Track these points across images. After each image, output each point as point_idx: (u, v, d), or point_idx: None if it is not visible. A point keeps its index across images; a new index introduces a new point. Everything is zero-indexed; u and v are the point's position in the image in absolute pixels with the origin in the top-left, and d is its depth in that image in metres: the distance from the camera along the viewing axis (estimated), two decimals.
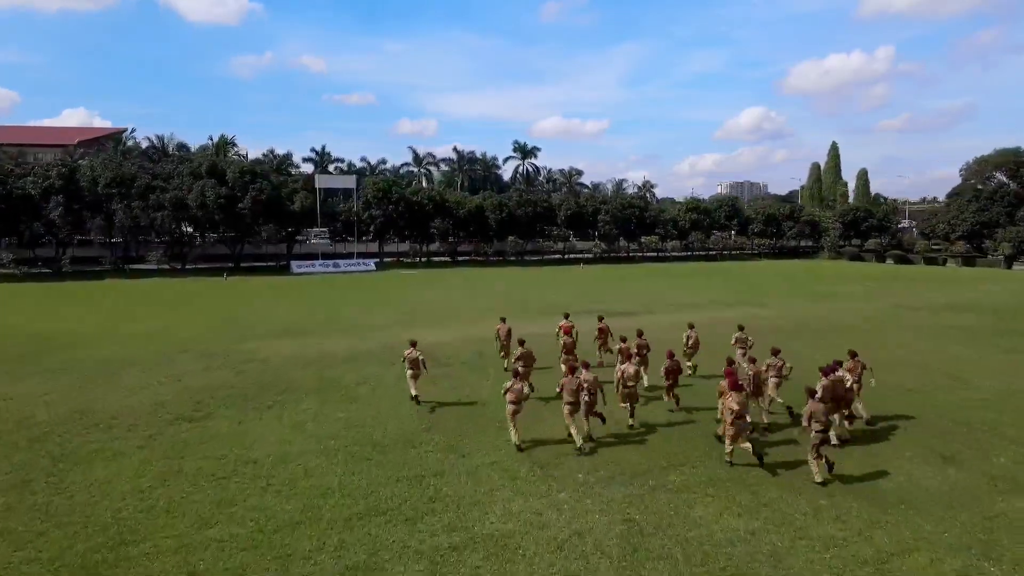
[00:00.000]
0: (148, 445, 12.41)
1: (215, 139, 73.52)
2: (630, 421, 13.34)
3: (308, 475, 10.96)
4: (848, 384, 12.76)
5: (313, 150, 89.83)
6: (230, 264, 55.95)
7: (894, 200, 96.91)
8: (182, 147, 74.43)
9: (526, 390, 12.48)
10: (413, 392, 15.09)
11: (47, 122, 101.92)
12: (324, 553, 8.48)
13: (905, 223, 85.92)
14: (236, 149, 74.65)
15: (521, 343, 15.68)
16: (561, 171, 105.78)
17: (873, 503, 9.93)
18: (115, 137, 67.45)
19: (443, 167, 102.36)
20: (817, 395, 11.19)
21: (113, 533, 8.99)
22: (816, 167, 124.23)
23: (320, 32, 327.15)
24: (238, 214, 51.88)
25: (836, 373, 12.59)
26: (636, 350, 15.51)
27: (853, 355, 13.67)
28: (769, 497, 10.12)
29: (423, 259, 65.81)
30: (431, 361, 19.54)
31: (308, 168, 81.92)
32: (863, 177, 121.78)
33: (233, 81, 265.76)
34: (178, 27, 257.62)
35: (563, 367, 13.73)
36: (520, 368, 13.91)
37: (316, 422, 13.81)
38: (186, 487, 10.47)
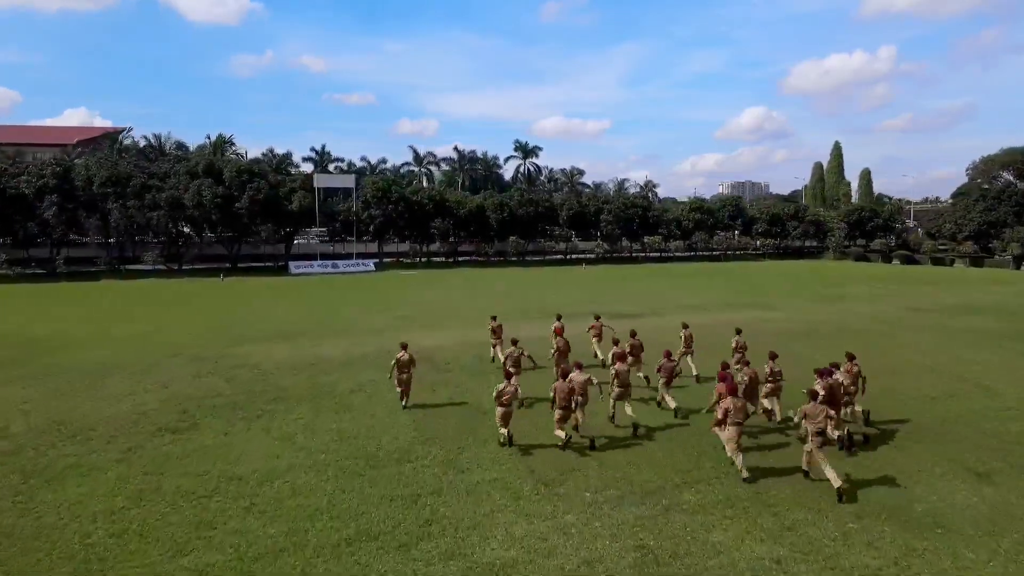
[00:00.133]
0: (127, 459, 11.66)
1: (212, 138, 72.75)
2: (627, 419, 13.11)
3: (295, 494, 10.20)
4: (845, 387, 12.45)
5: (313, 149, 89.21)
6: (227, 264, 55.22)
7: (899, 200, 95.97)
8: (181, 146, 73.71)
9: (519, 392, 12.32)
10: (402, 400, 14.85)
11: (48, 122, 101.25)
12: None
13: (910, 223, 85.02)
14: (234, 148, 73.91)
15: (514, 343, 15.40)
16: (563, 171, 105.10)
17: (906, 527, 9.16)
18: (111, 136, 66.64)
19: (444, 167, 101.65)
20: (820, 396, 10.88)
21: (80, 561, 8.24)
22: (819, 167, 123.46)
23: (320, 32, 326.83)
24: (235, 214, 51.15)
25: (833, 376, 12.22)
26: (629, 351, 15.28)
27: (851, 358, 13.32)
28: (793, 520, 9.34)
29: (423, 259, 65.07)
30: (428, 366, 18.94)
31: (308, 168, 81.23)
32: (866, 177, 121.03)
33: (233, 81, 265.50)
34: (178, 27, 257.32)
35: (555, 370, 13.98)
36: (511, 369, 13.89)
37: (307, 433, 13.05)
38: (163, 507, 9.71)
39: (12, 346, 22.01)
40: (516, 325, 21.08)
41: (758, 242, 78.15)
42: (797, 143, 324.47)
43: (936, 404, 15.11)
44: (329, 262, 57.54)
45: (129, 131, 73.35)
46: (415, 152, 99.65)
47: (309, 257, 59.74)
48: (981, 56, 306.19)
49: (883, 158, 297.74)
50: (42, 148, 65.05)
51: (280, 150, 77.04)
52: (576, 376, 12.27)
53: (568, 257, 71.72)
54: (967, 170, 75.47)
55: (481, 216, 64.77)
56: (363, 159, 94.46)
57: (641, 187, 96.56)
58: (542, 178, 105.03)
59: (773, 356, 13.80)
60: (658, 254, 74.89)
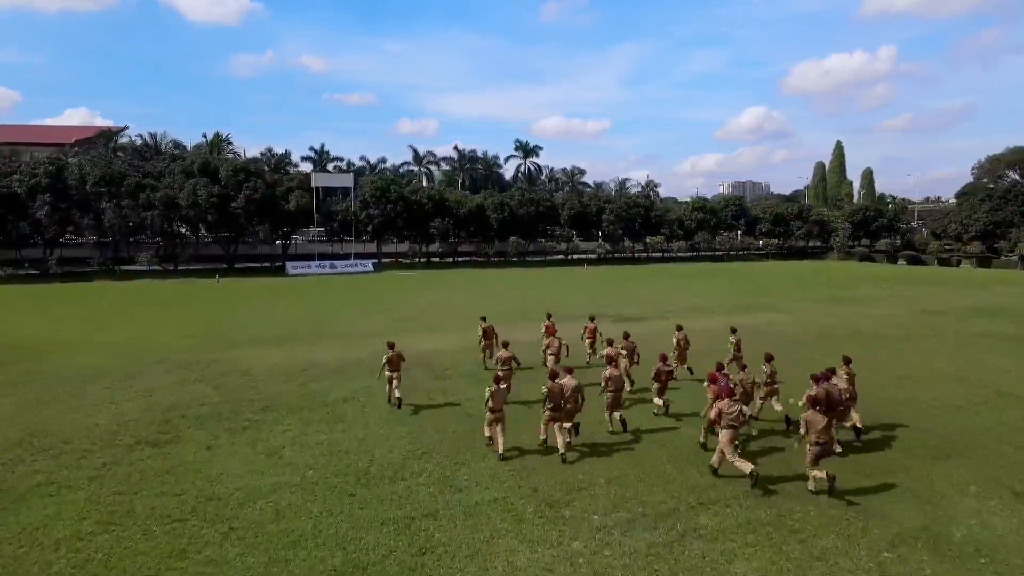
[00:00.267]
0: (100, 476, 10.86)
1: (209, 137, 71.90)
2: (609, 428, 12.86)
3: (279, 517, 9.39)
4: (844, 392, 12.16)
5: (312, 149, 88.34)
6: (223, 265, 54.41)
7: (902, 200, 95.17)
8: (178, 146, 72.86)
9: (507, 394, 12.16)
10: (396, 395, 14.63)
11: (48, 122, 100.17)
12: None
13: (914, 223, 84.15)
14: (231, 147, 73.02)
15: (505, 345, 15.22)
16: (563, 170, 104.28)
17: (945, 556, 8.35)
18: (106, 134, 65.80)
19: (444, 166, 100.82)
20: (814, 395, 10.70)
21: None
22: (820, 166, 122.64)
23: (320, 32, 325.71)
24: (231, 213, 50.33)
25: (831, 380, 11.83)
26: (623, 352, 15.16)
27: (847, 361, 13.08)
28: (822, 548, 8.53)
29: (422, 260, 64.24)
30: (426, 371, 18.15)
31: (307, 167, 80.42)
32: (868, 177, 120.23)
33: (233, 81, 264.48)
34: (178, 27, 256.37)
35: (551, 368, 13.81)
36: (500, 372, 13.96)
37: (294, 447, 12.24)
38: (133, 533, 8.91)
39: None
40: (516, 327, 20.29)
41: (760, 242, 77.30)
42: (797, 143, 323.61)
43: (962, 415, 14.31)
44: (327, 262, 56.71)
45: (124, 130, 72.53)
46: (415, 152, 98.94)
47: (307, 257, 58.90)
48: (981, 56, 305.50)
49: (883, 158, 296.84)
50: (40, 148, 64.21)
51: (279, 150, 76.21)
52: (567, 381, 11.83)
53: (569, 257, 70.88)
54: (972, 169, 74.70)
55: (481, 216, 63.94)
56: (362, 158, 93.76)
57: (642, 187, 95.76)
58: (543, 178, 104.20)
59: (769, 358, 13.44)
60: (660, 254, 74.02)
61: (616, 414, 12.84)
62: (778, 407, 13.32)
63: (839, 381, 12.27)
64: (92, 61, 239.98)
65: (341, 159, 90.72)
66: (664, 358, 14.03)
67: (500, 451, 11.55)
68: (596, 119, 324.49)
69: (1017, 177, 70.85)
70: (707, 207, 74.90)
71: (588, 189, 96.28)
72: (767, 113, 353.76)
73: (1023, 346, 21.91)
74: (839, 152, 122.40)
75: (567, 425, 11.79)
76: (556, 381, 11.80)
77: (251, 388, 16.43)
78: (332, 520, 9.27)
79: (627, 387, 14.85)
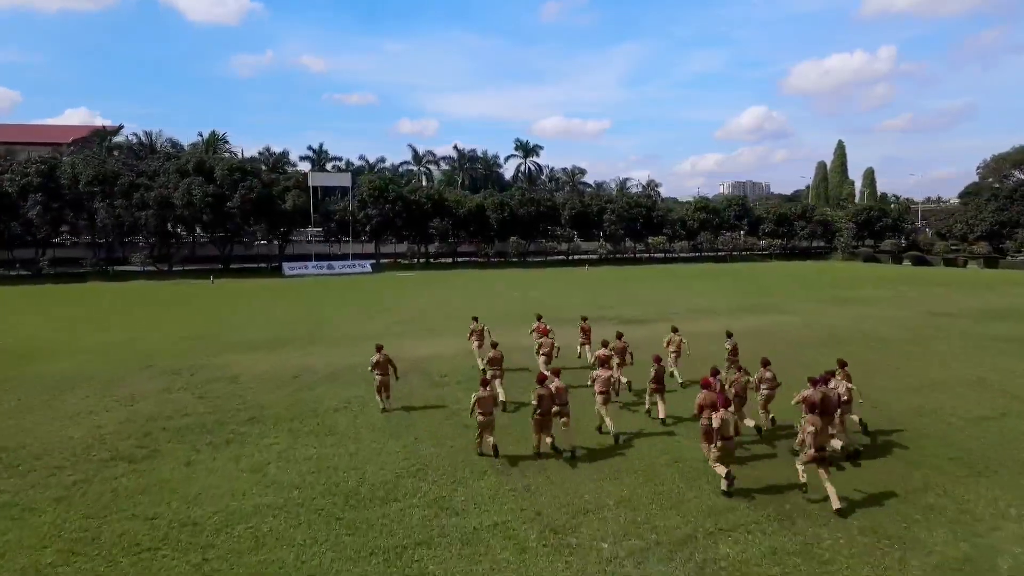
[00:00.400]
0: (69, 497, 10.05)
1: (205, 136, 71.06)
2: (606, 428, 12.58)
3: (258, 545, 8.58)
4: (843, 397, 11.77)
5: (310, 148, 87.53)
6: (219, 266, 53.58)
7: (906, 199, 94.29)
8: (175, 145, 72.00)
9: (500, 398, 12.04)
10: (382, 405, 14.42)
11: (48, 122, 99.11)
12: None
13: (919, 223, 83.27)
14: (228, 146, 72.16)
15: (494, 346, 15.01)
16: (564, 170, 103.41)
17: None
18: (99, 133, 64.90)
19: (443, 166, 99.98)
20: (808, 396, 10.48)
21: None
22: (822, 166, 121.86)
23: (320, 32, 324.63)
24: (227, 213, 49.49)
25: (828, 384, 11.57)
26: (615, 354, 14.85)
27: (842, 365, 12.75)
28: None
29: (421, 260, 63.40)
30: (422, 378, 17.35)
31: (305, 167, 79.60)
32: (870, 176, 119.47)
33: (233, 81, 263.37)
34: (178, 27, 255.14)
35: (543, 369, 14.10)
36: (490, 375, 13.84)
37: (280, 463, 11.43)
38: (97, 564, 8.11)
39: None
40: (516, 329, 19.49)
41: (763, 243, 76.37)
42: (797, 143, 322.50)
43: (988, 425, 13.50)
44: (324, 263, 55.87)
45: (120, 130, 71.61)
46: (414, 151, 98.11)
47: (304, 258, 58.05)
48: (981, 56, 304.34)
49: (883, 158, 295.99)
50: (36, 147, 63.33)
51: (277, 149, 75.37)
52: (557, 383, 11.58)
53: (570, 258, 70.04)
54: (978, 168, 73.93)
55: (481, 216, 63.10)
56: (361, 158, 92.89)
57: (643, 187, 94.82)
58: (543, 177, 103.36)
59: (766, 363, 13.04)
60: (662, 255, 73.18)
61: (607, 420, 12.57)
62: (762, 414, 12.99)
63: (839, 385, 11.91)
64: (92, 61, 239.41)
65: (340, 159, 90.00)
66: (658, 359, 13.73)
67: (480, 450, 11.62)
68: (596, 119, 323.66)
69: (1023, 176, 69.98)
70: (710, 207, 74.05)
71: (589, 189, 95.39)
72: (767, 113, 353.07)
73: None
74: (840, 152, 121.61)
75: (563, 427, 11.64)
76: (545, 384, 11.47)
77: (238, 397, 15.62)
78: (316, 549, 8.47)
79: (619, 388, 14.55)
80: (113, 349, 21.41)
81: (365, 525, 9.12)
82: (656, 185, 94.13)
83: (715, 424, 9.97)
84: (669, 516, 9.40)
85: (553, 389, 11.46)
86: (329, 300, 36.61)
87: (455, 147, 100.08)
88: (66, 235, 53.12)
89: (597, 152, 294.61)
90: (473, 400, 11.56)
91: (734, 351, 15.48)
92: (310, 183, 56.37)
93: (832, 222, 74.74)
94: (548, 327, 17.59)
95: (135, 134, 68.88)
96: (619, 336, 15.81)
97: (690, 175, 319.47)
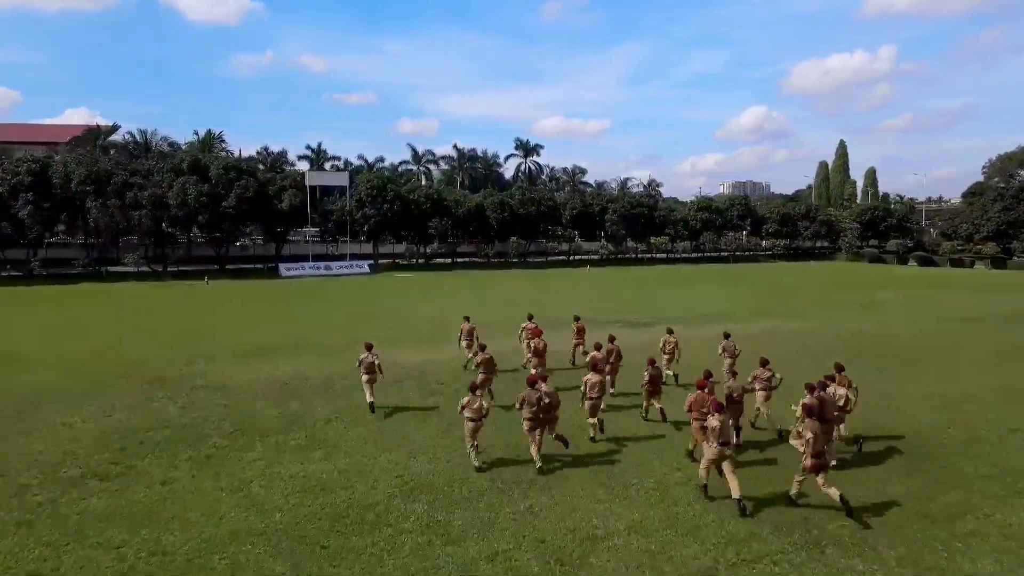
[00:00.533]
0: (33, 520, 9.22)
1: (201, 134, 70.14)
2: (591, 434, 12.34)
3: None
4: (841, 402, 11.44)
5: (308, 148, 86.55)
6: (215, 266, 52.72)
7: (910, 199, 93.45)
8: (173, 145, 71.09)
9: (486, 404, 11.32)
10: (369, 399, 14.17)
11: (48, 122, 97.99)
12: None
13: (924, 223, 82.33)
14: (224, 145, 71.27)
15: (483, 348, 14.80)
16: (564, 169, 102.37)
17: None
18: (93, 132, 63.99)
19: (443, 165, 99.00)
20: (808, 404, 10.14)
21: None
22: (824, 166, 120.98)
23: (320, 32, 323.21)
24: (222, 213, 48.63)
25: (827, 389, 11.23)
26: (607, 356, 14.60)
27: (840, 369, 12.30)
28: None
29: (420, 261, 62.53)
30: (418, 387, 16.53)
31: (304, 166, 78.65)
32: (872, 176, 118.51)
33: (233, 81, 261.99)
34: (178, 27, 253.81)
35: (534, 370, 14.24)
36: (480, 377, 13.76)
37: (263, 481, 10.59)
38: None
39: None
40: (517, 332, 18.59)
41: (765, 243, 75.46)
42: (797, 143, 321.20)
43: (1022, 439, 12.65)
44: (322, 264, 54.99)
45: (116, 129, 70.67)
46: (413, 151, 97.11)
47: (301, 259, 57.20)
48: (981, 56, 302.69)
49: (884, 158, 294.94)
50: (33, 147, 62.46)
51: (275, 148, 74.49)
52: (544, 388, 11.23)
53: (571, 259, 69.17)
54: (983, 168, 73.06)
55: (481, 216, 62.22)
56: (360, 157, 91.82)
57: (645, 187, 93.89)
58: (543, 177, 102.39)
59: (764, 363, 12.86)
60: (664, 255, 72.31)
61: (594, 420, 12.39)
62: (764, 409, 12.76)
63: (838, 390, 11.56)
64: (92, 61, 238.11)
65: (338, 158, 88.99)
66: (652, 362, 13.48)
67: (476, 464, 11.06)
68: (596, 119, 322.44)
69: None
70: (712, 207, 73.12)
71: (589, 189, 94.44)
72: (767, 113, 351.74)
73: None
74: (842, 151, 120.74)
75: (550, 435, 11.29)
76: (535, 388, 11.12)
77: (223, 407, 14.77)
78: None
79: (609, 391, 14.57)
80: (97, 355, 20.55)
81: (352, 555, 8.29)
82: (657, 185, 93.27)
83: (713, 423, 9.59)
84: (686, 544, 8.56)
85: (544, 395, 11.05)
86: (325, 302, 35.78)
87: (455, 146, 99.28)
88: (62, 235, 52.26)
89: (597, 152, 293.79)
90: (460, 406, 11.17)
91: (730, 352, 15.26)
92: (307, 182, 55.49)
93: (836, 222, 73.80)
94: (540, 327, 17.20)
95: (130, 133, 67.99)
96: (611, 339, 15.49)
97: (690, 175, 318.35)
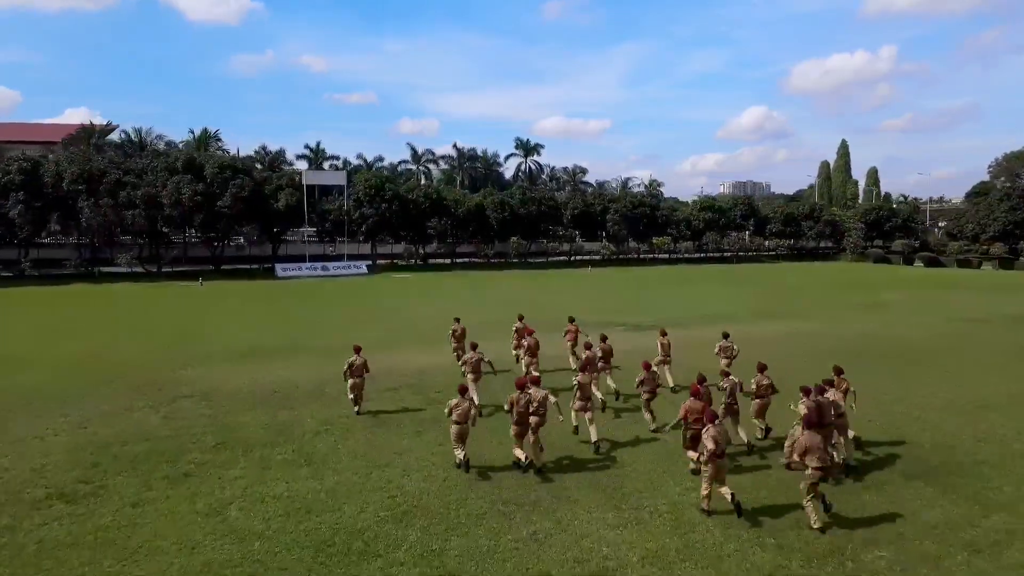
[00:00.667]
0: None
1: (197, 133, 69.27)
2: (594, 439, 11.83)
3: None
4: (840, 408, 10.78)
5: (307, 147, 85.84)
6: (210, 267, 51.88)
7: (914, 199, 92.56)
8: (170, 144, 70.27)
9: (473, 410, 10.95)
10: (355, 406, 13.94)
11: (47, 122, 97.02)
12: None
13: (930, 223, 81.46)
14: (220, 144, 70.41)
15: (473, 347, 14.49)
16: (565, 169, 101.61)
17: None
18: (87, 130, 63.13)
19: (443, 165, 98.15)
20: (805, 411, 9.76)
21: None
22: (825, 165, 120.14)
23: (320, 31, 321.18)
24: (218, 213, 47.79)
25: (825, 395, 10.64)
26: (600, 357, 14.40)
27: (839, 372, 11.73)
28: None
29: (419, 261, 61.69)
30: (415, 394, 15.69)
31: (303, 166, 77.82)
32: (874, 176, 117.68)
33: (234, 81, 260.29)
34: (179, 27, 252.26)
35: (528, 371, 14.35)
36: (470, 380, 13.64)
37: (244, 503, 9.75)
38: None
39: None
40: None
41: (768, 243, 74.57)
42: (798, 143, 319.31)
43: None
44: (318, 264, 54.15)
45: (113, 129, 69.88)
46: (413, 150, 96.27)
47: (298, 259, 56.36)
48: (982, 56, 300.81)
49: (884, 158, 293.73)
50: (29, 146, 61.62)
51: (274, 147, 73.63)
52: (533, 392, 10.84)
53: (572, 259, 68.32)
54: (989, 167, 72.21)
55: (481, 215, 61.38)
56: (359, 156, 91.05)
57: (646, 186, 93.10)
58: (544, 176, 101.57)
59: (762, 368, 12.25)
60: (667, 255, 71.46)
61: (590, 426, 11.95)
62: (758, 423, 12.24)
63: (832, 395, 10.95)
64: (92, 61, 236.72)
65: (337, 157, 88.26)
66: (648, 366, 13.09)
67: (458, 460, 10.81)
68: (597, 119, 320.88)
69: None
70: (715, 206, 72.27)
71: (590, 188, 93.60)
72: (768, 113, 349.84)
73: None
74: (844, 151, 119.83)
75: (532, 439, 10.83)
76: (524, 392, 10.76)
77: (207, 417, 13.93)
78: None
79: (601, 393, 14.41)
80: (82, 359, 19.71)
81: None
82: (659, 184, 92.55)
83: (709, 446, 9.00)
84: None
85: (533, 398, 10.71)
86: (321, 304, 34.96)
87: (454, 146, 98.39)
88: (57, 235, 51.40)
89: (597, 152, 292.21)
90: (448, 408, 10.83)
91: (727, 353, 14.96)
92: (303, 182, 54.67)
93: (841, 222, 72.91)
94: (532, 327, 16.93)
95: (124, 131, 67.17)
96: (604, 339, 15.21)
97: (691, 175, 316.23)
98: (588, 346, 14.30)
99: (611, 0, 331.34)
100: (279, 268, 51.79)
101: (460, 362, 15.11)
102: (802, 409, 10.04)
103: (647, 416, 12.89)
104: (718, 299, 35.36)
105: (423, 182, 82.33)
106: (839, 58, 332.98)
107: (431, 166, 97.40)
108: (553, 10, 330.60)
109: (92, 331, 25.41)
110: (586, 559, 8.15)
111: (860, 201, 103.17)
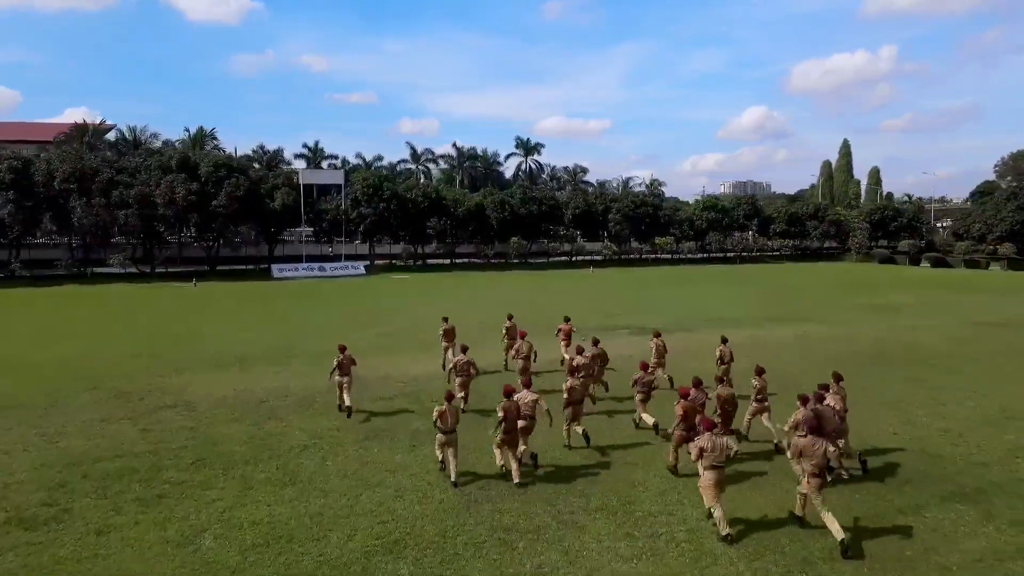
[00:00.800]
0: None
1: (192, 131, 68.37)
2: (566, 442, 11.76)
3: None
4: (840, 415, 10.51)
5: (305, 146, 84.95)
6: (205, 267, 50.98)
7: (919, 199, 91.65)
8: (166, 143, 69.35)
9: (451, 418, 10.40)
10: (347, 403, 13.67)
11: (47, 121, 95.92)
12: None
13: (937, 223, 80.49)
14: (216, 142, 69.46)
15: (464, 349, 14.16)
16: (566, 168, 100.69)
17: None
18: (80, 129, 62.19)
19: (442, 164, 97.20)
20: (800, 419, 9.44)
21: None
22: (827, 165, 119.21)
23: (321, 31, 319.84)
24: (212, 212, 46.88)
25: (824, 402, 10.35)
26: (591, 360, 14.06)
27: (838, 379, 11.42)
28: None
29: (417, 262, 60.80)
30: (411, 404, 14.79)
31: (301, 165, 76.89)
32: (876, 176, 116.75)
33: (234, 80, 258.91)
34: (179, 26, 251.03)
35: (519, 374, 14.20)
36: (458, 381, 13.64)
37: (221, 529, 8.87)
38: None
39: None
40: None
41: (772, 243, 73.59)
42: (798, 143, 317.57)
43: None
44: (315, 265, 53.23)
45: (109, 128, 68.94)
46: (412, 149, 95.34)
47: (295, 259, 55.46)
48: (982, 56, 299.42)
49: (884, 158, 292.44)
50: (27, 145, 60.69)
51: (272, 146, 72.73)
52: (524, 396, 10.68)
53: (574, 259, 67.42)
54: (995, 167, 71.31)
55: (481, 215, 60.45)
56: (358, 156, 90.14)
57: (648, 186, 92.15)
58: (544, 176, 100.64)
59: (760, 372, 12.00)
60: (669, 256, 70.56)
61: (577, 428, 11.76)
62: (768, 424, 11.84)
63: (832, 401, 10.68)
64: (92, 61, 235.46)
65: (336, 157, 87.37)
66: (645, 367, 13.03)
67: (452, 478, 10.24)
68: (597, 119, 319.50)
69: None
70: (718, 206, 71.32)
71: (591, 188, 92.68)
72: (768, 113, 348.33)
73: None
74: (846, 151, 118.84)
75: (523, 447, 10.61)
76: (512, 398, 10.40)
77: (188, 430, 13.05)
78: None
79: (596, 396, 14.29)
80: (62, 366, 18.80)
81: None
82: (660, 184, 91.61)
83: (692, 453, 8.89)
84: None
85: (520, 403, 10.46)
86: (316, 305, 34.06)
87: (454, 145, 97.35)
88: (52, 235, 50.43)
89: (597, 152, 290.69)
90: (435, 415, 10.35)
91: (728, 360, 14.58)
92: (300, 181, 53.77)
93: (845, 222, 71.96)
94: (524, 330, 16.41)
95: (119, 130, 66.21)
96: (595, 342, 14.92)
97: (691, 175, 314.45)
98: (580, 350, 14.01)
99: (611, 0, 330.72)
100: (275, 269, 50.88)
101: (448, 366, 14.82)
102: (794, 422, 9.77)
103: (641, 415, 12.70)
104: (724, 301, 34.46)
105: (422, 181, 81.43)
106: (839, 58, 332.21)
107: (430, 165, 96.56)
108: (553, 10, 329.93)
109: (79, 334, 24.52)
110: None
111: (862, 201, 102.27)
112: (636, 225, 65.35)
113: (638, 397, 12.66)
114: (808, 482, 8.44)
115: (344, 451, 11.88)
